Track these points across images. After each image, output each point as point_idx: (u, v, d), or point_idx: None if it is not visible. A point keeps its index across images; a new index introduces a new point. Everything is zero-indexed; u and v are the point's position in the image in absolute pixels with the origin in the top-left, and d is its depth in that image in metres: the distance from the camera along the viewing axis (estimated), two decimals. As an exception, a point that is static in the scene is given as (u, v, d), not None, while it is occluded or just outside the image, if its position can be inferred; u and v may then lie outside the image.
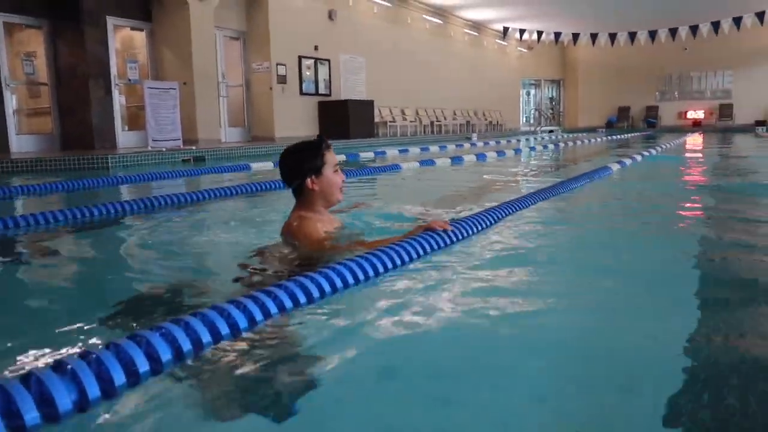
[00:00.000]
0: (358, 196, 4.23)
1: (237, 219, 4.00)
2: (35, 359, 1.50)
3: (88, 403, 1.19)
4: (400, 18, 18.86)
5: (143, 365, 1.33)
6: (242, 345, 1.54)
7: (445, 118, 20.80)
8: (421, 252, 2.37)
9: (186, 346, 1.44)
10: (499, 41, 25.48)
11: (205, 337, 1.49)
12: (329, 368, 1.44)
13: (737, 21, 21.32)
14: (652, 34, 23.25)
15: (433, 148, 11.98)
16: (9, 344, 1.63)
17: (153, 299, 2.11)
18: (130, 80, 11.24)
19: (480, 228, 2.89)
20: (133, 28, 12.42)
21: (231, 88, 13.91)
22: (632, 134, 20.88)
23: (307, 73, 15.13)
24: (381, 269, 2.12)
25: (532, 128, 26.86)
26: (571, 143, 14.32)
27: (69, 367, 1.23)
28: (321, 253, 2.36)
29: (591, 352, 1.54)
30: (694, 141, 15.60)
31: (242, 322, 1.60)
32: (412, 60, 19.30)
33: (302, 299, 1.80)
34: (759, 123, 23.56)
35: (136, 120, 11.72)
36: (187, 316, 1.54)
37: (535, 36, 24.56)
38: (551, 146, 13.10)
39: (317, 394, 1.32)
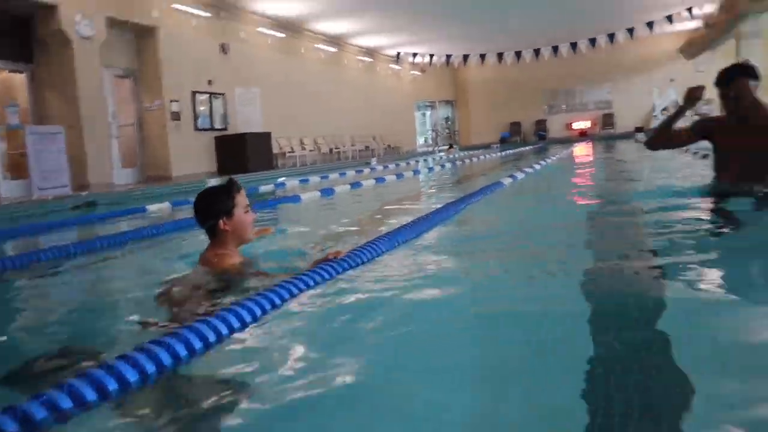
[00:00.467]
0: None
1: (135, 265, 3.88)
2: None
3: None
4: (294, 48, 18.97)
5: None
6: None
7: (343, 145, 20.99)
8: (311, 283, 2.40)
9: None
10: (392, 66, 26.08)
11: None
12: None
13: (611, 36, 22.88)
14: (537, 52, 24.50)
15: (333, 176, 12.05)
16: None
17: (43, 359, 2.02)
18: (10, 126, 10.66)
19: (372, 256, 2.96)
20: (12, 71, 11.84)
21: (123, 127, 13.48)
22: (525, 148, 21.82)
23: (202, 108, 14.91)
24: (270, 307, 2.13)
25: (430, 149, 27.55)
26: (467, 161, 14.79)
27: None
28: (240, 277, 2.56)
29: (489, 371, 1.61)
30: (581, 150, 16.50)
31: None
32: (308, 89, 19.43)
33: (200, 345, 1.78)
34: (638, 129, 25.16)
35: (18, 168, 11.09)
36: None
37: (427, 59, 25.31)
38: (448, 165, 13.48)
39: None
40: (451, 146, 25.41)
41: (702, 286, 2.20)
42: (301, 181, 11.22)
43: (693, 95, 3.89)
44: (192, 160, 14.27)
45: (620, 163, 10.63)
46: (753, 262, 2.48)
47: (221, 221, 2.63)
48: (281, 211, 6.53)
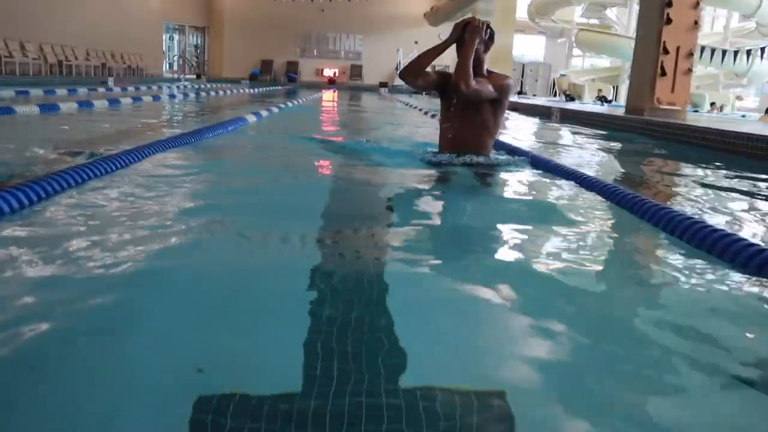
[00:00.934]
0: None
1: None
2: None
3: None
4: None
5: None
6: None
7: (76, 58, 18.72)
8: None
9: None
10: (139, -22, 23.83)
11: None
12: None
13: (367, -9, 23.61)
14: (295, -8, 24.30)
15: (61, 92, 10.72)
16: None
17: None
18: None
19: (97, 175, 2.71)
20: None
21: None
22: (274, 87, 21.68)
23: None
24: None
25: (176, 76, 25.99)
26: (214, 93, 14.25)
27: None
28: None
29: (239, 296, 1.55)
30: (329, 97, 16.92)
31: None
32: (34, -14, 16.83)
33: None
34: (382, 84, 26.60)
35: None
36: None
37: (178, -22, 23.59)
38: (193, 95, 12.86)
39: None
40: (199, 75, 24.23)
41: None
42: (18, 92, 9.78)
43: (469, 29, 3.64)
44: None
45: (363, 113, 11.11)
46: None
47: None
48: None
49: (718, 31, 24.18)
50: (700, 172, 4.86)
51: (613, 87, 23.13)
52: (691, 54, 9.29)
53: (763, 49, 19.84)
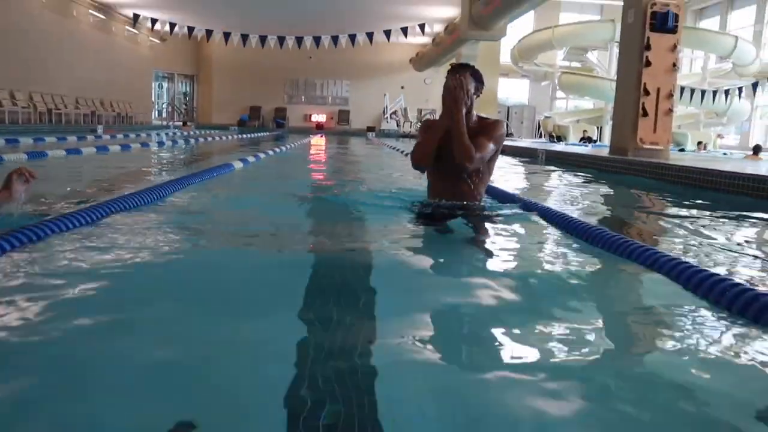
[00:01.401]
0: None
1: None
2: None
3: None
4: (8, -12, 16.52)
5: None
6: None
7: (65, 107, 18.88)
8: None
9: None
10: (129, 29, 24.18)
11: None
12: None
13: (352, 38, 23.96)
14: (281, 40, 24.58)
15: (51, 140, 10.76)
16: None
17: None
18: None
19: (84, 223, 2.70)
20: None
21: None
22: (263, 133, 21.84)
23: None
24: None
25: (165, 123, 26.17)
26: (202, 139, 14.33)
27: None
28: None
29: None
30: (317, 142, 17.03)
31: None
32: (24, 37, 17.07)
33: None
34: (370, 129, 26.84)
35: None
36: None
37: (167, 27, 23.89)
38: (182, 142, 12.91)
39: None
40: (185, 123, 24.38)
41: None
42: (8, 141, 9.80)
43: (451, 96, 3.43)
44: None
45: (350, 158, 11.18)
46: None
47: None
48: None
49: (696, 72, 24.74)
50: (684, 211, 4.91)
51: (597, 127, 23.47)
52: (671, 95, 9.48)
53: (740, 89, 20.31)
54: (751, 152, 14.02)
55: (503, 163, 10.46)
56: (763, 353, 1.64)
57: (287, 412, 1.18)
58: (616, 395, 1.34)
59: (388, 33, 23.33)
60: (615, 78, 11.49)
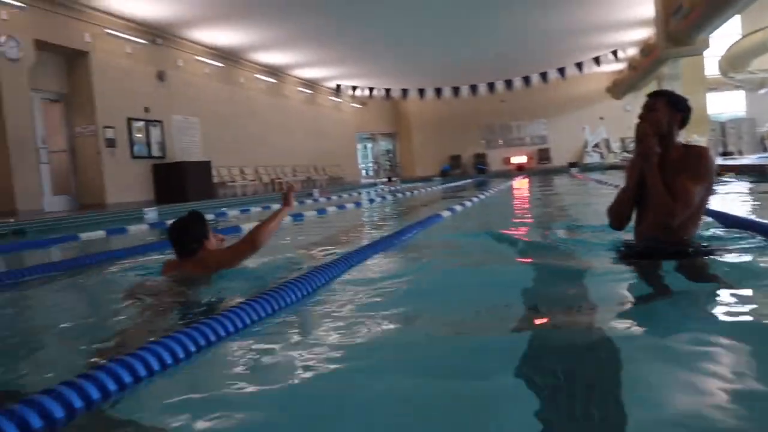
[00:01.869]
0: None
1: (66, 295, 3.74)
2: None
3: None
4: (233, 77, 18.89)
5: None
6: None
7: (285, 176, 20.92)
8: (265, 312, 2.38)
9: None
10: (332, 98, 26.27)
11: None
12: None
13: (544, 75, 23.78)
14: (474, 88, 25.17)
15: (275, 206, 11.90)
16: None
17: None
18: (-69, 150, 10.16)
19: (311, 288, 2.96)
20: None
21: (54, 153, 13.05)
22: (465, 181, 22.20)
23: (138, 136, 14.60)
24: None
25: (372, 180, 27.76)
26: (408, 193, 14.95)
27: None
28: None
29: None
30: (520, 183, 16.92)
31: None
32: (248, 119, 19.37)
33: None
34: (572, 165, 26.10)
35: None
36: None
37: (366, 92, 25.62)
38: (389, 197, 13.59)
39: None
40: (390, 179, 25.69)
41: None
42: (242, 210, 11.09)
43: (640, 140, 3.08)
44: (128, 188, 13.92)
45: (555, 197, 10.94)
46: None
47: (204, 242, 3.29)
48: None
49: None
50: None
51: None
52: None
53: None
54: None
55: (723, 185, 9.56)
56: None
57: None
58: None
59: (580, 65, 22.83)
60: None
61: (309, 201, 13.59)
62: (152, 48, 15.06)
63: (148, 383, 1.73)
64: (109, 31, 13.57)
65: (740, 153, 23.70)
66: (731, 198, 7.62)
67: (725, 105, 28.98)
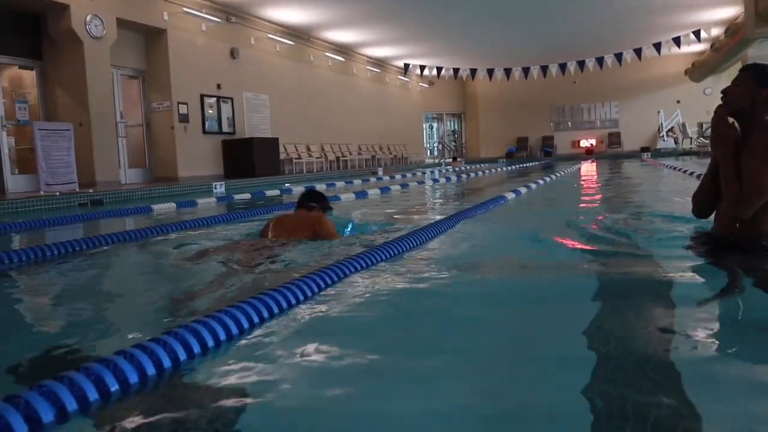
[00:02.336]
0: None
1: (140, 264, 3.93)
2: None
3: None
4: (303, 56, 19.09)
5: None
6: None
7: (350, 154, 21.10)
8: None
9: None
10: (400, 77, 26.21)
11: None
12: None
13: (618, 57, 22.95)
14: (544, 69, 24.56)
15: (340, 184, 12.12)
16: None
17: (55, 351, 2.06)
18: (19, 121, 10.74)
19: (368, 264, 3.01)
20: (21, 67, 11.95)
21: (131, 128, 13.59)
22: (531, 163, 21.86)
23: (210, 112, 15.01)
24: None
25: (437, 161, 27.65)
26: (473, 174, 14.85)
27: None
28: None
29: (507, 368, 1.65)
30: (588, 168, 16.52)
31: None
32: (316, 96, 19.55)
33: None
34: (644, 149, 25.25)
35: (27, 163, 11.17)
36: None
37: (435, 72, 25.41)
38: (453, 178, 13.53)
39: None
40: (455, 159, 25.49)
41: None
42: (306, 188, 11.28)
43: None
44: (199, 163, 14.37)
45: (624, 182, 10.64)
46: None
47: (320, 206, 4.00)
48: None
49: None
50: None
51: None
52: None
53: None
54: None
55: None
56: None
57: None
58: None
59: (658, 46, 21.91)
60: None
61: (373, 179, 13.69)
62: (226, 26, 15.39)
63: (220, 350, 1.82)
64: (186, 9, 13.94)
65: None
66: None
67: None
